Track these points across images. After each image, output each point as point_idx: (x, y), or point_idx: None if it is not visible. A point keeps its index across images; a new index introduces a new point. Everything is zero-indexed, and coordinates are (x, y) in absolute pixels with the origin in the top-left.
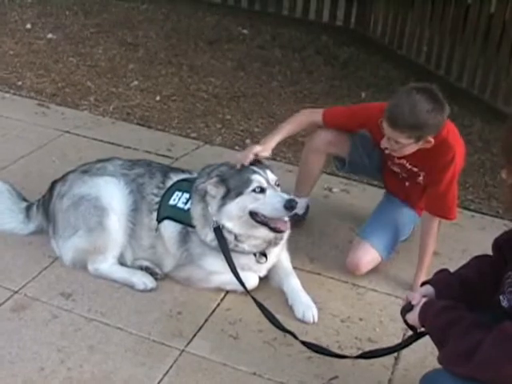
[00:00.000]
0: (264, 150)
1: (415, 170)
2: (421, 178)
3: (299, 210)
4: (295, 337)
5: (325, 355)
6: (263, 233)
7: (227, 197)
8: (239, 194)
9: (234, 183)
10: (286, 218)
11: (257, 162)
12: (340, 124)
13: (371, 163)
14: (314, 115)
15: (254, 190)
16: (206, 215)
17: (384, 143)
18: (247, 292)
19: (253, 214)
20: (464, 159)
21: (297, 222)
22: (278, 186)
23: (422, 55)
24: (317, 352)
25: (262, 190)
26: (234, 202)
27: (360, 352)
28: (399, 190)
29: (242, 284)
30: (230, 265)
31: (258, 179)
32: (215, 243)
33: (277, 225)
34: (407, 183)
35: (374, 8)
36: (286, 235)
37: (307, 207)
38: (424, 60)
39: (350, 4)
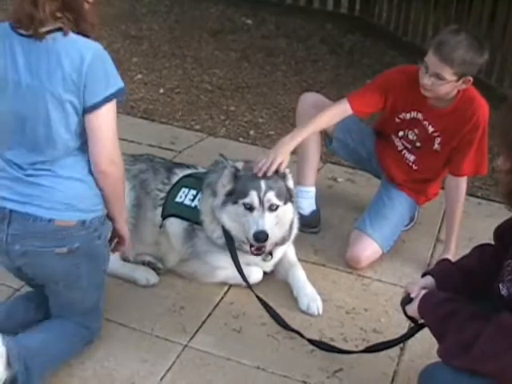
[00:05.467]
0: (286, 160)
1: (435, 134)
2: (437, 145)
3: (300, 201)
4: (301, 335)
5: (331, 352)
6: None
7: (230, 197)
8: (235, 202)
9: (240, 186)
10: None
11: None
12: (367, 102)
13: (361, 147)
14: (340, 106)
15: (244, 205)
16: (214, 211)
17: (424, 79)
18: (253, 292)
19: None
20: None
21: (308, 226)
22: (276, 209)
23: (428, 41)
24: (323, 349)
25: (251, 209)
26: (231, 207)
27: (365, 343)
28: (399, 171)
29: (247, 283)
30: (235, 263)
31: (252, 197)
32: (221, 241)
33: (251, 248)
34: (412, 157)
35: None
36: (293, 234)
37: (315, 213)
38: (430, 46)
39: None
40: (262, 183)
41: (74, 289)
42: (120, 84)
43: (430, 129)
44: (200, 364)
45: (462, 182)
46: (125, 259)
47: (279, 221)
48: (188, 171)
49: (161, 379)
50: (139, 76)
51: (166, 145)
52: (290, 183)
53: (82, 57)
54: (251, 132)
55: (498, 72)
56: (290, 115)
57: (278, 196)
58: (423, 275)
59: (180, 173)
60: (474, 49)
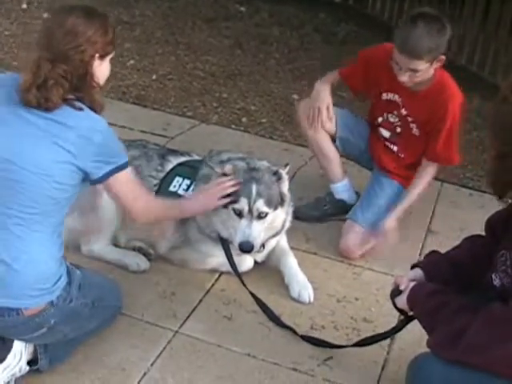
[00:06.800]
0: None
1: (410, 119)
2: (415, 129)
3: (341, 195)
4: (295, 332)
5: (323, 347)
6: None
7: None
8: (226, 206)
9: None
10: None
11: None
12: (353, 72)
13: (360, 140)
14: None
15: (233, 210)
16: None
17: (401, 77)
18: (246, 288)
19: None
20: (463, 106)
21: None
22: (265, 216)
23: None
24: (315, 344)
25: (240, 215)
26: (221, 210)
27: (355, 332)
28: (388, 159)
29: (240, 277)
30: (228, 257)
31: (242, 203)
32: (215, 234)
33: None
34: (395, 147)
35: None
36: (286, 226)
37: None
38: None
39: None
40: (254, 189)
41: (80, 332)
42: (125, 158)
43: (404, 112)
44: (190, 350)
45: (431, 166)
46: (116, 244)
47: (269, 225)
48: (182, 159)
49: (151, 365)
50: (132, 62)
51: (159, 131)
52: (284, 187)
53: (94, 128)
54: (243, 119)
55: (491, 64)
56: (283, 103)
57: (268, 204)
58: (412, 267)
59: (174, 160)
60: (434, 32)
